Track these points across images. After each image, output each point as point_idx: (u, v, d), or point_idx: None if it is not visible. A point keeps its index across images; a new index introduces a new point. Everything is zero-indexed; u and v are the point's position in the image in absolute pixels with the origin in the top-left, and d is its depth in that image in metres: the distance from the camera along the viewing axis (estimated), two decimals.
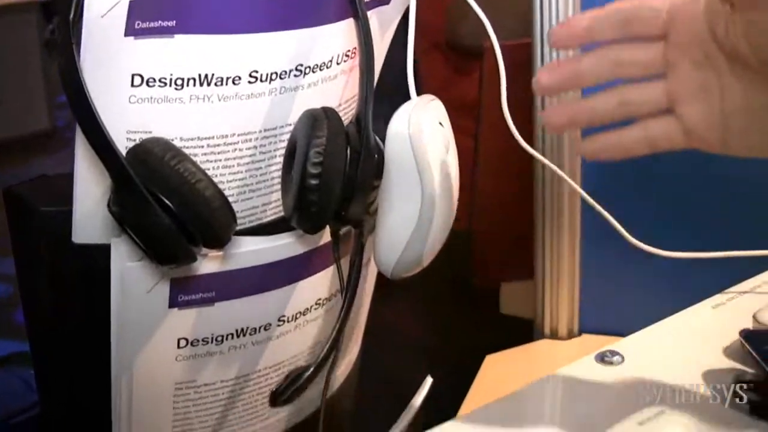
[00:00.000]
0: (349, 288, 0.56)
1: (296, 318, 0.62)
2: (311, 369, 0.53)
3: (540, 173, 1.13)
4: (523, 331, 1.25)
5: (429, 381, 0.80)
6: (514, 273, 1.26)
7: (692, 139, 0.58)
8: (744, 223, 1.06)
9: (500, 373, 0.91)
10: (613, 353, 0.71)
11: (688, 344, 0.72)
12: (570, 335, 1.15)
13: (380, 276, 0.65)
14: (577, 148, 0.62)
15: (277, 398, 0.53)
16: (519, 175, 1.19)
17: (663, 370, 0.68)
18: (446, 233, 0.60)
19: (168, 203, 0.51)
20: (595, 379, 0.67)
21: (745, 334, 0.67)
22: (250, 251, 0.58)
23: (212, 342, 0.59)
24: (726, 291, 0.82)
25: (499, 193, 1.27)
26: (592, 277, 1.16)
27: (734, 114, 0.55)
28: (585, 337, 1.02)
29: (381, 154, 0.56)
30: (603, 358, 0.70)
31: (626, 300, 1.03)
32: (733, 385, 0.63)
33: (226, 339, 0.60)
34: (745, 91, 0.54)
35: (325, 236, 0.61)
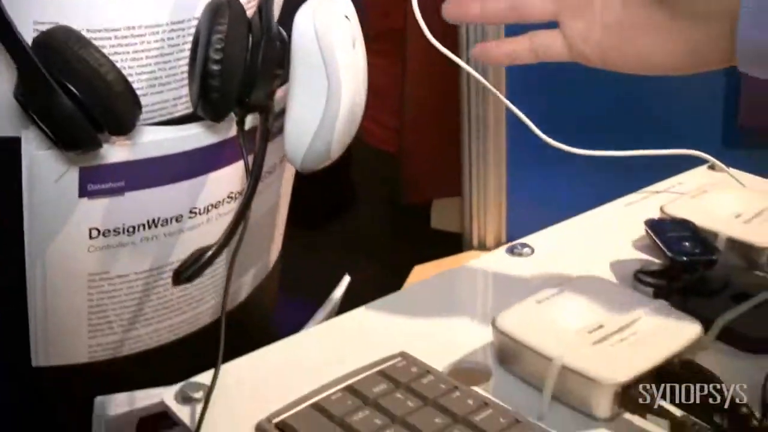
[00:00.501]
0: (254, 169, 0.57)
1: (208, 211, 0.63)
2: (215, 247, 0.54)
3: (465, 86, 1.14)
4: (453, 244, 1.28)
5: (347, 279, 0.81)
6: (443, 190, 1.28)
7: (573, 52, 0.60)
8: (664, 126, 1.10)
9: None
10: (524, 245, 0.73)
11: (598, 237, 0.75)
12: (498, 245, 1.18)
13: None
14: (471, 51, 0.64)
15: (179, 276, 0.54)
16: (445, 93, 1.21)
17: (571, 261, 0.70)
18: (354, 126, 0.61)
19: (71, 88, 0.52)
20: (503, 270, 0.70)
21: (650, 223, 0.69)
22: (158, 141, 0.59)
23: (124, 233, 0.60)
24: (640, 191, 0.84)
25: (426, 111, 1.28)
26: (519, 188, 1.19)
27: (611, 29, 0.57)
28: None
29: (284, 42, 0.57)
30: (513, 250, 0.72)
31: (551, 208, 1.04)
32: (636, 273, 0.65)
33: (138, 230, 0.60)
34: (623, 8, 0.57)
35: (235, 129, 0.62)
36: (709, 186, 0.77)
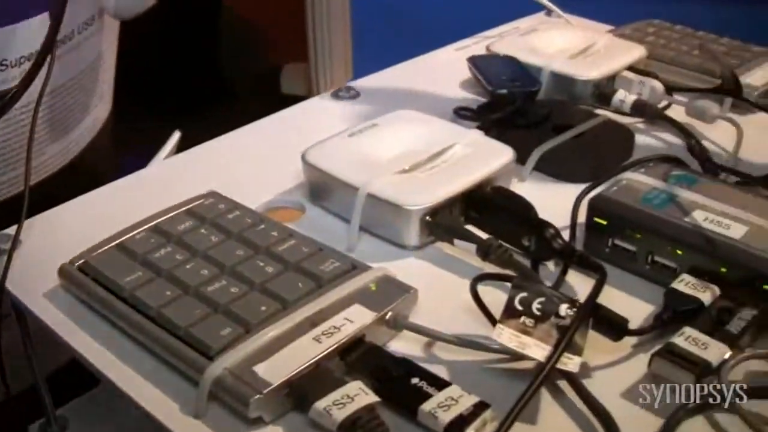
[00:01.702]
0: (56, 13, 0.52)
1: (20, 63, 0.59)
2: (12, 92, 0.50)
3: None
4: None
5: (177, 135, 0.78)
6: (292, 55, 1.25)
7: None
8: None
9: None
10: (349, 89, 0.71)
11: (424, 80, 0.73)
12: None
13: None
14: None
15: None
16: None
17: (394, 102, 0.68)
18: None
19: None
20: (325, 113, 0.68)
21: (473, 59, 0.67)
22: None
23: None
24: (474, 36, 0.82)
25: None
26: (365, 53, 1.16)
27: None
28: None
29: None
30: (338, 94, 0.70)
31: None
32: (456, 108, 0.64)
33: None
34: None
35: None
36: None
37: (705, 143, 0.61)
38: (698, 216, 0.48)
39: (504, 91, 0.62)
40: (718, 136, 0.64)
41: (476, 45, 0.80)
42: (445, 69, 0.74)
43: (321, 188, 0.55)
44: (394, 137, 0.57)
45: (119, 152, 0.85)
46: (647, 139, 0.64)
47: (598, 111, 0.65)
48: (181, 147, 0.64)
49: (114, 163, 0.84)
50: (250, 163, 0.61)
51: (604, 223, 0.50)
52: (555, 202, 0.54)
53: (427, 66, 0.76)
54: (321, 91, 1.16)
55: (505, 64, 0.66)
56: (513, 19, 0.87)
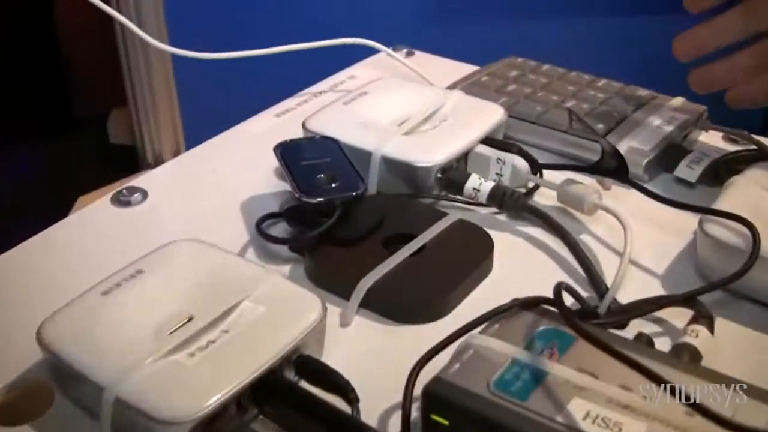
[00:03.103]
0: None
1: None
2: None
3: None
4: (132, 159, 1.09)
5: None
6: (115, 99, 1.08)
7: None
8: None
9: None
10: (133, 190, 0.54)
11: (231, 166, 0.57)
12: None
13: None
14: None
15: None
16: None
17: (190, 208, 0.53)
18: None
19: None
20: (104, 228, 0.52)
21: (282, 150, 0.52)
22: None
23: None
24: (301, 92, 0.67)
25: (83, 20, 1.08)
26: (190, 94, 1.00)
27: None
28: None
29: None
30: (119, 199, 0.54)
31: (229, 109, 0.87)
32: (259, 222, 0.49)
33: None
34: None
35: None
36: (373, 85, 0.60)
37: (586, 244, 0.47)
38: (576, 410, 0.33)
39: (320, 199, 0.46)
40: (601, 231, 0.50)
41: (301, 107, 0.64)
42: (256, 149, 0.58)
43: None
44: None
45: None
46: (511, 242, 0.49)
47: (446, 204, 0.50)
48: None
49: None
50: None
51: (445, 423, 0.35)
52: (387, 362, 0.39)
53: (234, 144, 0.60)
54: (146, 139, 0.99)
55: (322, 151, 0.51)
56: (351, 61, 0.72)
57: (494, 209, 0.51)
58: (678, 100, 0.61)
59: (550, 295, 0.38)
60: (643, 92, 0.62)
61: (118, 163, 1.04)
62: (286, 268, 0.47)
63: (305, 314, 0.39)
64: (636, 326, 0.41)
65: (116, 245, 0.49)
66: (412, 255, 0.45)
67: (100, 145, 1.14)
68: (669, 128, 0.57)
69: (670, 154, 0.55)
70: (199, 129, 1.01)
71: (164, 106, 0.95)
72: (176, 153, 0.96)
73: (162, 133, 0.95)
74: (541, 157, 0.54)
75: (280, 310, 0.40)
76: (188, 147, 1.00)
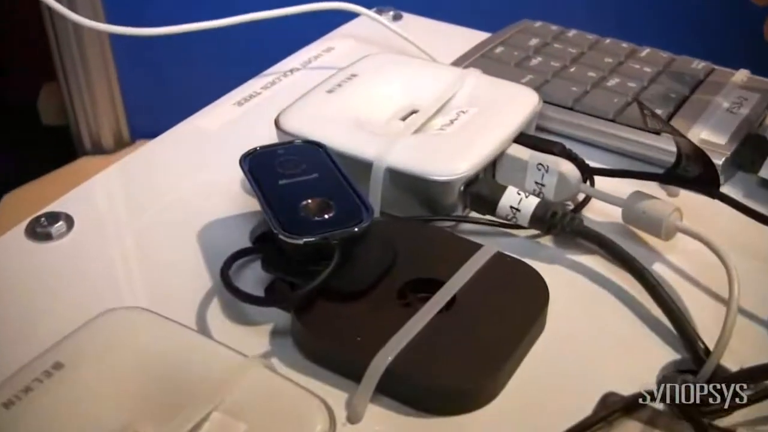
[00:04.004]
0: None
1: None
2: None
3: None
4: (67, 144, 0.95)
5: None
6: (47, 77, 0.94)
7: None
8: None
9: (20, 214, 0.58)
10: (52, 216, 0.41)
11: (178, 175, 0.44)
12: (119, 145, 0.85)
13: None
14: None
15: None
16: None
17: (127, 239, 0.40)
18: None
19: None
20: (23, 265, 0.38)
21: (249, 162, 0.38)
22: None
23: None
24: (267, 71, 0.54)
25: None
26: (132, 77, 0.86)
27: None
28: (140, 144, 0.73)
29: None
30: (35, 230, 0.40)
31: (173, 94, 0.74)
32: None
33: None
34: None
35: None
36: (363, 63, 0.46)
37: (663, 278, 0.34)
38: None
39: (309, 239, 0.33)
40: (677, 258, 0.38)
41: (268, 92, 0.51)
42: (216, 148, 0.45)
43: None
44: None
45: None
46: (563, 279, 0.37)
47: (468, 228, 0.38)
48: None
49: None
50: None
51: None
52: None
53: (188, 145, 0.47)
54: (81, 122, 0.85)
55: (306, 163, 0.37)
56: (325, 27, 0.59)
57: (535, 231, 0.38)
58: (743, 74, 0.49)
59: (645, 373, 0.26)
60: (698, 64, 0.50)
61: (52, 149, 0.90)
62: (266, 329, 0.34)
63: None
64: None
65: (26, 303, 0.36)
66: (440, 311, 0.33)
67: (30, 129, 0.99)
68: (743, 113, 0.45)
69: (749, 147, 0.43)
70: (144, 110, 0.87)
71: (100, 80, 0.80)
72: (117, 134, 0.82)
73: (99, 111, 0.81)
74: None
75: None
76: (132, 129, 0.86)
